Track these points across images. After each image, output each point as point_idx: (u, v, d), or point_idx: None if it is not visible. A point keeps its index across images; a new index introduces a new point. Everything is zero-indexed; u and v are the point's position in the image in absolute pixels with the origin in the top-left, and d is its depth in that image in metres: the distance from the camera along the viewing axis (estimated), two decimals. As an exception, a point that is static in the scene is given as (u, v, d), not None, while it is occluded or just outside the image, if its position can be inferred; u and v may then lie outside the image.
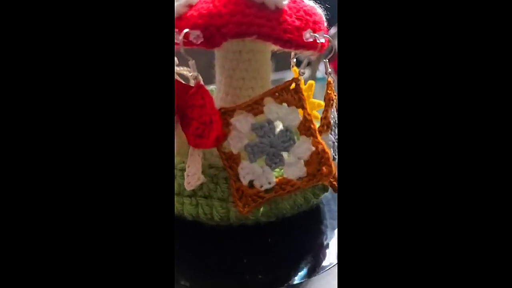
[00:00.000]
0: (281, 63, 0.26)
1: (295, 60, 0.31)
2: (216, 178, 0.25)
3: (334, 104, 0.27)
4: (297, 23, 0.23)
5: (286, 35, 0.22)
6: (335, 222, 0.29)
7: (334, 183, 0.27)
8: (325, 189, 0.28)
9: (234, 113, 0.23)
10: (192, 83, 0.32)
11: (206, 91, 0.23)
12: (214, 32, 0.21)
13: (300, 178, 0.23)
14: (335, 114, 0.26)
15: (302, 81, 0.29)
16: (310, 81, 0.33)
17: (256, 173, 0.23)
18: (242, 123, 0.23)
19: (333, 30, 0.31)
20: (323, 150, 0.23)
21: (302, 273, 0.24)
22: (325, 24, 0.28)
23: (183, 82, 0.32)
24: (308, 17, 0.24)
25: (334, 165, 0.26)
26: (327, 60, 0.26)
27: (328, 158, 0.23)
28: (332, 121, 0.26)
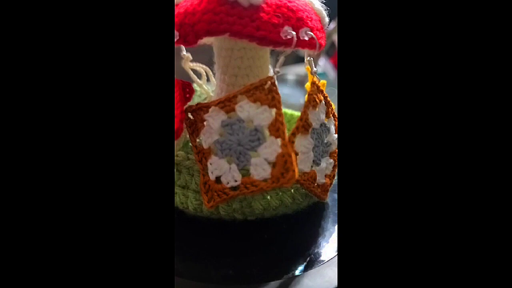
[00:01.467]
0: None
1: (309, 58, 0.30)
2: (192, 170, 0.26)
3: (322, 106, 0.25)
4: (275, 20, 0.22)
5: (259, 33, 0.22)
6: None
7: (318, 190, 0.25)
8: (308, 196, 0.26)
9: (209, 109, 0.24)
10: (204, 77, 0.34)
11: (177, 85, 0.24)
12: (188, 30, 0.22)
13: (265, 180, 0.22)
14: (320, 116, 0.25)
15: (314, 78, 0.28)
16: (323, 81, 0.32)
17: (223, 169, 0.23)
18: (213, 119, 0.23)
19: (332, 24, 0.29)
20: (287, 153, 0.22)
21: (299, 267, 0.24)
22: (324, 20, 0.26)
23: (196, 77, 0.34)
24: (290, 14, 0.23)
25: (318, 171, 0.25)
26: (312, 59, 0.24)
27: (290, 162, 0.21)
28: (315, 124, 0.24)
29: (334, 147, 0.27)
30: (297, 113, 0.36)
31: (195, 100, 0.36)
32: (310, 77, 0.30)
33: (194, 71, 0.33)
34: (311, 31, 0.24)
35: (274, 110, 0.22)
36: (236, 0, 0.22)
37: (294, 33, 0.22)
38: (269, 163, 0.22)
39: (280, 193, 0.25)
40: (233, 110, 0.23)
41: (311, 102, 0.24)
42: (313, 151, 0.25)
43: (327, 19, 0.27)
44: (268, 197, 0.25)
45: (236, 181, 0.23)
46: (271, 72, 0.33)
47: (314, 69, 0.24)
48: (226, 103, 0.23)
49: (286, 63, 0.31)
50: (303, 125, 0.24)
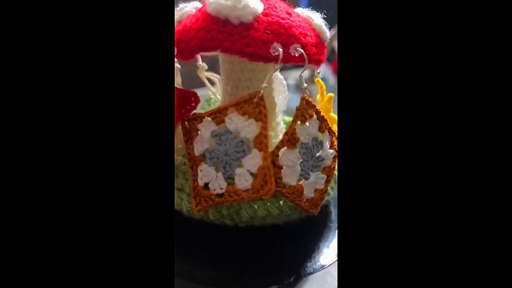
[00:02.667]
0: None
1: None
2: (187, 175, 0.27)
3: (313, 121, 0.25)
4: (264, 36, 0.23)
5: (248, 49, 0.23)
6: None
7: (306, 204, 0.26)
8: (293, 209, 0.27)
9: (203, 119, 0.25)
10: (218, 87, 0.35)
11: (176, 95, 0.25)
12: (184, 46, 0.24)
13: (247, 190, 0.23)
14: (311, 131, 0.25)
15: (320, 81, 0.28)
16: (330, 94, 0.32)
17: (210, 177, 0.25)
18: (205, 129, 0.25)
19: (333, 31, 0.29)
20: (267, 167, 0.22)
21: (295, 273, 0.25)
22: (323, 34, 0.26)
23: (210, 85, 0.36)
24: (281, 30, 0.24)
25: (306, 185, 0.25)
26: (302, 75, 0.25)
27: (269, 176, 0.22)
28: (303, 138, 0.25)
29: (329, 162, 0.27)
30: None
31: (210, 107, 0.38)
32: (330, 95, 0.30)
33: (209, 79, 0.35)
34: (303, 47, 0.24)
35: (260, 124, 0.23)
36: (227, 18, 0.23)
37: (281, 49, 0.23)
38: (251, 174, 0.23)
39: (268, 204, 0.26)
40: (223, 121, 0.24)
41: (299, 117, 0.24)
42: (300, 165, 0.25)
43: (327, 34, 0.27)
44: (256, 207, 0.26)
45: (221, 188, 0.24)
46: (278, 86, 0.34)
47: (305, 84, 0.25)
48: (217, 115, 0.25)
49: (286, 68, 0.32)
50: (289, 139, 0.24)
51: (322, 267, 0.27)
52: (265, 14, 0.24)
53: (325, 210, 0.32)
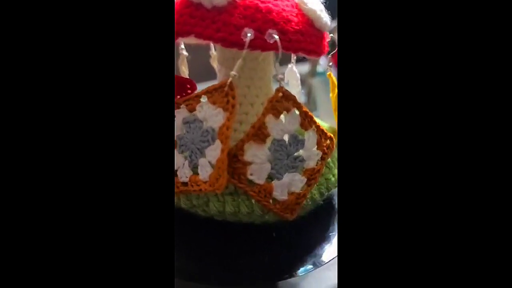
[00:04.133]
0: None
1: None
2: None
3: (291, 116, 0.23)
4: (238, 21, 0.22)
5: (218, 34, 0.22)
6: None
7: (276, 206, 0.23)
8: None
9: (180, 105, 0.25)
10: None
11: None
12: (163, 30, 0.24)
13: (206, 182, 0.22)
14: (286, 127, 0.23)
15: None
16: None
17: (178, 164, 0.24)
18: (179, 115, 0.25)
19: (333, 23, 0.26)
20: (222, 159, 0.21)
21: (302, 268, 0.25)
22: (318, 21, 0.24)
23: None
24: (258, 15, 0.22)
25: (277, 185, 0.23)
26: (277, 63, 0.22)
27: (222, 169, 0.21)
28: (276, 134, 0.23)
29: (311, 163, 0.24)
30: None
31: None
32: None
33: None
34: (283, 34, 0.22)
35: (226, 114, 0.22)
36: (200, 2, 0.22)
37: (249, 34, 0.21)
38: (212, 165, 0.22)
39: (239, 200, 0.25)
40: (195, 109, 0.24)
41: (270, 110, 0.22)
42: (271, 163, 0.23)
43: (324, 20, 0.24)
44: (223, 201, 0.25)
45: (186, 177, 0.24)
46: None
47: (280, 75, 0.22)
48: (191, 102, 0.24)
49: (286, 62, 0.29)
50: (256, 133, 0.22)
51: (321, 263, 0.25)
52: (243, -3, 0.22)
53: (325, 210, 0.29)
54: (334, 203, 0.29)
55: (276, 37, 0.21)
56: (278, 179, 0.23)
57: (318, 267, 0.25)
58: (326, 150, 0.25)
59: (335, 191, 0.28)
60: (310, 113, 0.24)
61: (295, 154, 0.24)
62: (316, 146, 0.25)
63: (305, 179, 0.24)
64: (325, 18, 0.24)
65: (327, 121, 0.37)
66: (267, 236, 0.26)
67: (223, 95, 0.22)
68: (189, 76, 0.30)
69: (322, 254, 0.26)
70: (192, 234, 0.27)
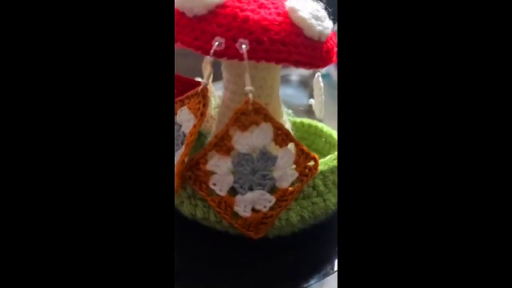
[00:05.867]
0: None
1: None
2: None
3: (262, 131, 0.22)
4: (214, 30, 0.21)
5: (196, 42, 0.22)
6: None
7: (236, 221, 0.22)
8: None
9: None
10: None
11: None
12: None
13: (171, 184, 0.23)
14: (255, 142, 0.21)
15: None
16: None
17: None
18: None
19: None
20: (177, 164, 0.21)
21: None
22: (310, 30, 0.22)
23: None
24: (234, 24, 0.21)
25: (239, 200, 0.22)
26: (247, 75, 0.21)
27: (176, 173, 0.21)
28: (241, 148, 0.22)
29: (284, 184, 0.23)
30: (307, 121, 0.33)
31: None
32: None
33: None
34: (259, 43, 0.21)
35: (195, 120, 0.22)
36: (183, 11, 0.23)
37: (217, 43, 0.21)
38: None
39: (209, 207, 0.24)
40: (176, 113, 0.24)
41: (236, 122, 0.21)
42: (234, 176, 0.22)
43: (316, 28, 0.22)
44: (195, 204, 0.25)
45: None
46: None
47: (249, 87, 0.21)
48: (177, 106, 0.25)
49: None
50: (218, 144, 0.22)
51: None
52: (225, 6, 0.22)
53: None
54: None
55: (244, 46, 0.20)
56: (241, 194, 0.22)
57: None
58: (306, 172, 0.23)
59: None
60: (286, 130, 0.22)
61: (264, 171, 0.22)
62: (292, 166, 0.23)
63: (274, 200, 0.22)
64: (318, 26, 0.22)
65: (330, 124, 0.34)
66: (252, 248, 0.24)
67: (196, 102, 0.23)
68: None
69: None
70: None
